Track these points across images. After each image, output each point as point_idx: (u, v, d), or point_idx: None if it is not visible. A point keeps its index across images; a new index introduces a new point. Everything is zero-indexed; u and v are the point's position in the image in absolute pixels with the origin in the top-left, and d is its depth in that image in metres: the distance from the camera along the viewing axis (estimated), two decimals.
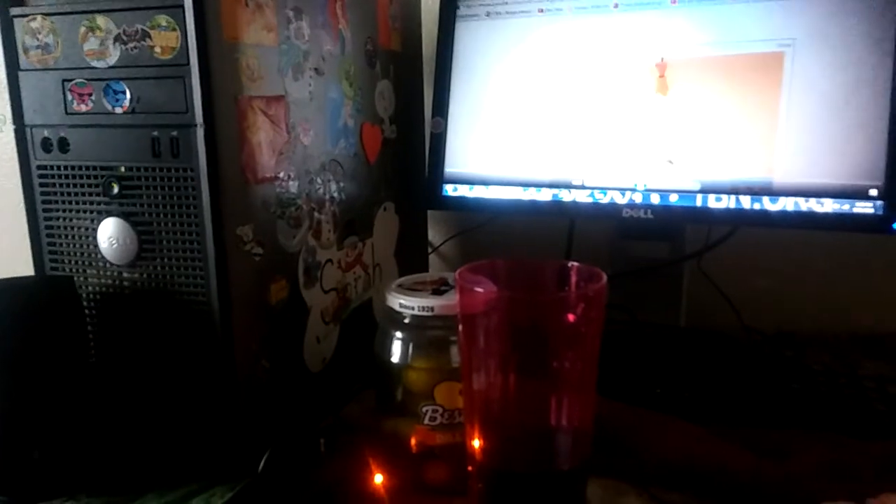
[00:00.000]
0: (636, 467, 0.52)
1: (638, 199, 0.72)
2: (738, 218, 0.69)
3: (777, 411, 0.58)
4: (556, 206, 0.75)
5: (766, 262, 0.85)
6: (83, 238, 0.55)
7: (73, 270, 0.56)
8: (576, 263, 0.46)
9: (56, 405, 0.52)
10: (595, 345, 0.43)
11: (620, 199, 0.72)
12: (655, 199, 0.71)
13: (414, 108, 0.83)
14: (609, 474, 0.52)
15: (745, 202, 0.68)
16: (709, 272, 0.82)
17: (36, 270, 0.57)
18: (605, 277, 0.43)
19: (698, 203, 0.70)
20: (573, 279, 0.46)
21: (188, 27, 0.49)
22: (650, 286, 0.77)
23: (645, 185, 0.71)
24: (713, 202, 0.69)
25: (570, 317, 0.42)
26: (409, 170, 0.81)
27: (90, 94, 0.53)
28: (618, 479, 0.52)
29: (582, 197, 0.74)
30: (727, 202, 0.69)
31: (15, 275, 0.54)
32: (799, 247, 0.82)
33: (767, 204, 0.67)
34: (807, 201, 0.66)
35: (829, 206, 0.65)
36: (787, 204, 0.66)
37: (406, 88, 0.80)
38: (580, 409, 0.44)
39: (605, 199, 0.73)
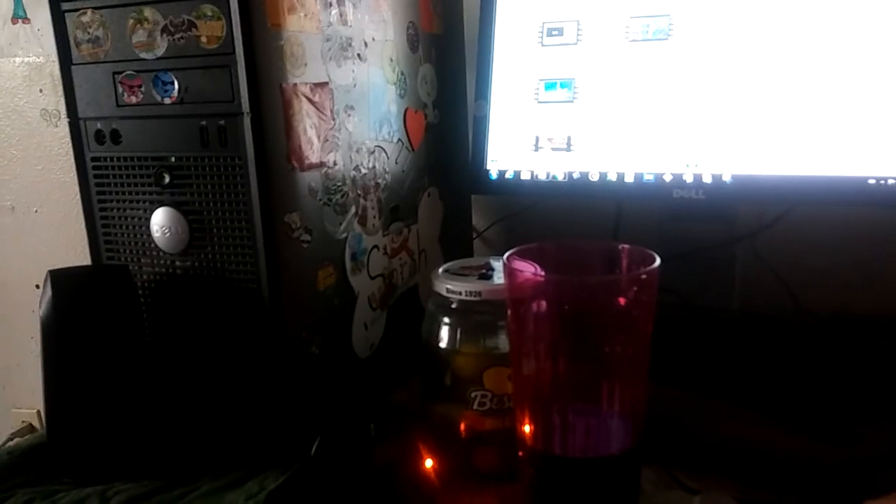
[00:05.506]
0: (689, 453, 0.51)
1: (689, 178, 0.69)
2: (793, 197, 0.66)
3: (834, 396, 0.56)
4: (603, 188, 0.74)
5: (822, 243, 0.81)
6: (137, 228, 0.56)
7: (128, 260, 0.57)
8: (626, 245, 0.45)
9: (113, 392, 0.53)
10: (647, 329, 0.42)
11: (670, 180, 0.70)
12: (707, 179, 0.69)
13: (457, 91, 0.83)
14: (662, 460, 0.51)
15: (801, 180, 0.65)
16: (763, 254, 0.80)
17: (93, 260, 0.59)
18: (657, 259, 0.42)
19: (752, 182, 0.67)
20: (624, 262, 0.45)
21: (233, 16, 0.49)
22: (701, 269, 0.75)
23: (696, 165, 0.69)
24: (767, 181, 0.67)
25: (622, 300, 0.41)
26: (452, 154, 0.81)
27: (140, 86, 0.53)
28: (670, 467, 0.51)
29: (630, 178, 0.72)
30: (782, 181, 0.66)
31: (73, 265, 0.56)
32: (857, 226, 0.78)
33: (824, 181, 0.64)
34: (867, 178, 0.63)
35: (890, 182, 0.62)
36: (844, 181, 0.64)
37: (448, 72, 0.79)
38: (632, 394, 0.43)
39: (653, 180, 0.71)
